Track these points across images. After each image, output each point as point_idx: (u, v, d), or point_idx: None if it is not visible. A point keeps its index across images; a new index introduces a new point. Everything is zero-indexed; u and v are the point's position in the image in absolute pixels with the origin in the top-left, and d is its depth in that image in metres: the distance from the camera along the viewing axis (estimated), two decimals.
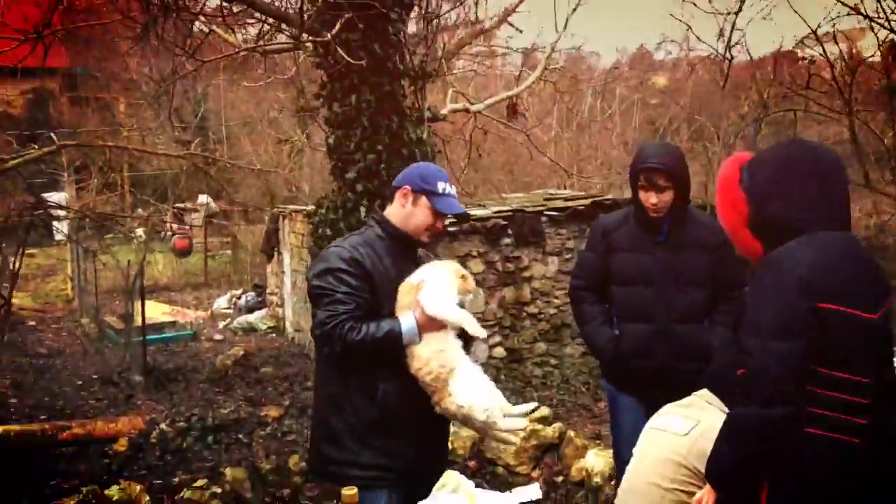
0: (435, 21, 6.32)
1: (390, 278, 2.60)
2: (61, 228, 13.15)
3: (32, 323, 10.86)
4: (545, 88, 10.42)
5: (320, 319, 2.50)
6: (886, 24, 6.01)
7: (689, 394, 2.56)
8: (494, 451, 4.88)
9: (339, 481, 2.54)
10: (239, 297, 11.52)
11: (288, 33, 5.66)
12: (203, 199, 16.35)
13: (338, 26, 4.62)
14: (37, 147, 6.42)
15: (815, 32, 6.63)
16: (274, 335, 9.86)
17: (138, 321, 8.00)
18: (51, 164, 10.81)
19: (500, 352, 7.27)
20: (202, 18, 5.73)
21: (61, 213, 10.61)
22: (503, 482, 4.62)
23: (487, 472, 4.84)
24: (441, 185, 2.65)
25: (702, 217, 3.38)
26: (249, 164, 10.74)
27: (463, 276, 2.61)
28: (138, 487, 4.25)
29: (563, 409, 6.64)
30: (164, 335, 9.56)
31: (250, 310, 10.94)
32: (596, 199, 7.87)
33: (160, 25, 4.89)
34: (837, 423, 1.94)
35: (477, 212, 7.20)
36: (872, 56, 7.43)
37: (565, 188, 10.91)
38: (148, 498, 4.22)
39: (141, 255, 9.92)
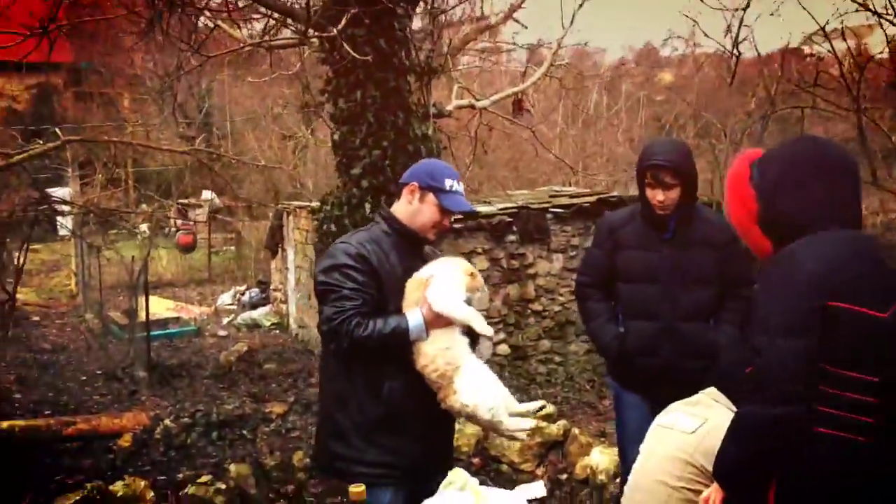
0: (441, 17, 6.30)
1: (396, 275, 2.59)
2: (65, 224, 13.19)
3: (36, 318, 10.87)
4: (551, 85, 10.37)
5: (327, 315, 2.49)
6: (895, 20, 5.98)
7: (693, 392, 2.56)
8: (499, 448, 4.87)
9: (345, 478, 2.56)
10: (243, 294, 11.52)
11: (293, 28, 5.64)
12: (207, 194, 16.34)
13: (343, 21, 4.60)
14: (41, 142, 6.40)
15: (823, 29, 6.62)
16: (277, 331, 9.85)
17: (142, 317, 8.00)
18: (55, 159, 10.80)
19: (504, 349, 7.25)
20: (207, 13, 5.73)
21: (66, 208, 10.65)
22: (507, 479, 4.61)
23: (492, 470, 4.83)
24: (448, 182, 2.63)
25: (709, 214, 3.37)
26: (254, 160, 10.70)
27: (472, 274, 2.60)
28: (142, 483, 4.25)
29: (567, 407, 6.63)
30: (167, 331, 9.55)
31: (254, 306, 10.94)
32: (601, 196, 7.85)
33: (165, 20, 4.88)
34: (845, 422, 1.93)
35: (482, 208, 7.18)
36: (881, 53, 7.41)
37: (570, 185, 10.90)
38: (152, 494, 4.23)
39: (145, 251, 9.93)
